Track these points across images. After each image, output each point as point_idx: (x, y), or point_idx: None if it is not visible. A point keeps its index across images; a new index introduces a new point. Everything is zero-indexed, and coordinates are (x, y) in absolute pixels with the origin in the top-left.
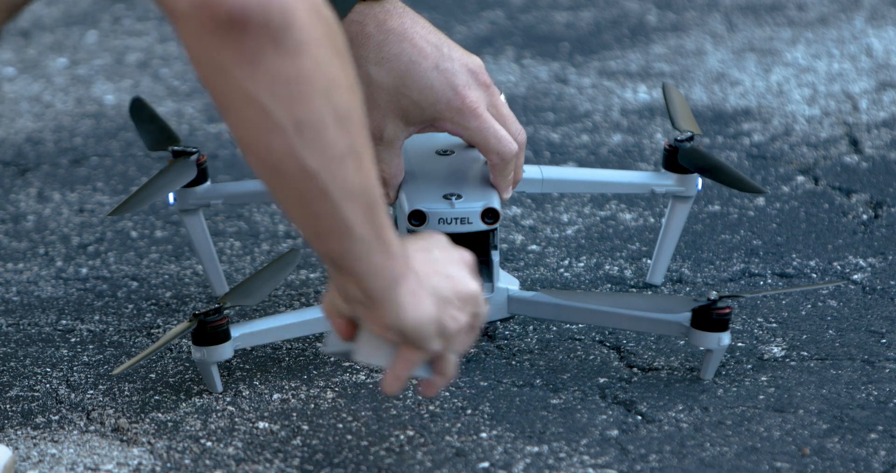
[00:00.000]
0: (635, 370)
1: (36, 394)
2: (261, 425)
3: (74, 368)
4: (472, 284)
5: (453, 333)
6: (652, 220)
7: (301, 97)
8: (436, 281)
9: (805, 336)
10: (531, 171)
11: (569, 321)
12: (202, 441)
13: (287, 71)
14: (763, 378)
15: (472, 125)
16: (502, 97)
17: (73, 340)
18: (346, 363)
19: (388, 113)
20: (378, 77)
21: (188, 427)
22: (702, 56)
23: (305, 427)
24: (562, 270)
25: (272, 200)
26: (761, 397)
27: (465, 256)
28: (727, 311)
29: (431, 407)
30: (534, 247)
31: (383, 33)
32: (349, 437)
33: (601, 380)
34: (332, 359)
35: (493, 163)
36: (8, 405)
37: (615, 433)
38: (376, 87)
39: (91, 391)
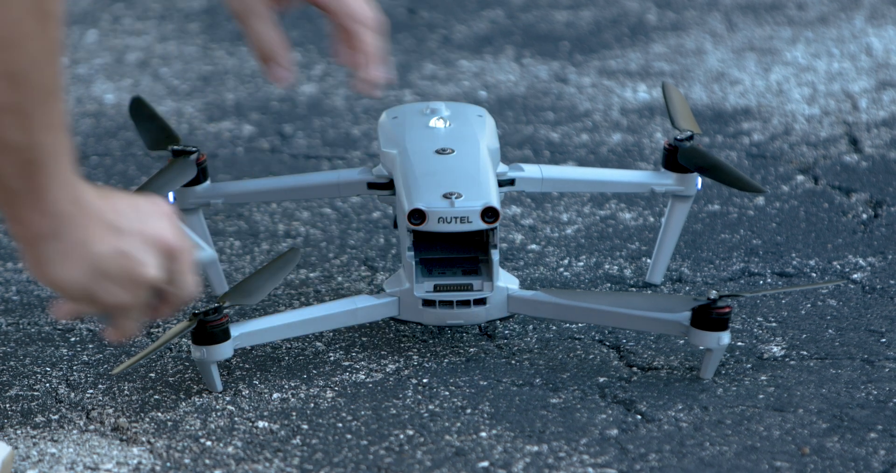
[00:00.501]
0: (635, 369)
1: (36, 393)
2: (260, 424)
3: (74, 367)
4: (147, 270)
5: (110, 305)
6: (651, 219)
7: None
8: (101, 251)
9: (805, 336)
10: (531, 170)
11: (568, 321)
12: (202, 440)
13: None
14: (763, 378)
15: None
16: None
17: (72, 339)
18: (346, 363)
19: None
20: None
21: (188, 427)
22: (701, 55)
23: (305, 427)
24: (561, 269)
25: (273, 199)
26: (761, 396)
27: (166, 238)
28: (727, 310)
29: (431, 407)
30: (533, 246)
31: None
32: (349, 436)
33: (601, 379)
34: (331, 358)
35: (353, 30)
36: (8, 405)
37: (615, 432)
38: None
39: (91, 391)
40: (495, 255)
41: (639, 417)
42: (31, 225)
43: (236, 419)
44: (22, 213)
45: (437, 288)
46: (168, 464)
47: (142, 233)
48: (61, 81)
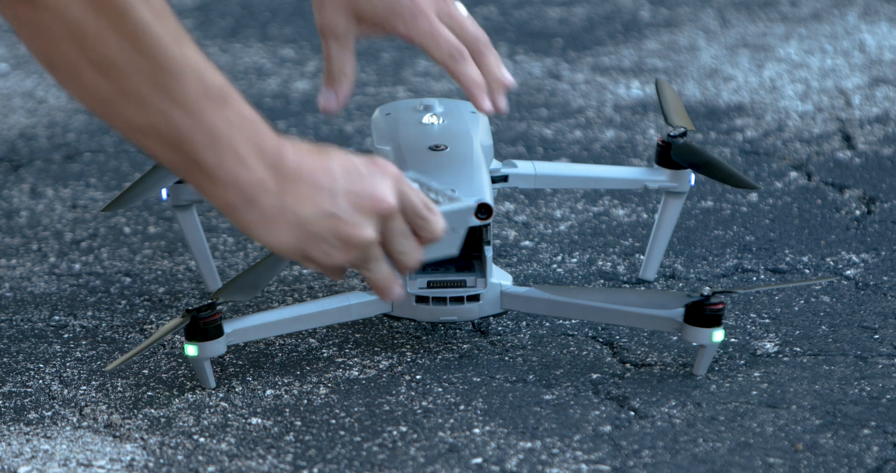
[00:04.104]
0: (628, 365)
1: (29, 390)
2: (254, 421)
3: (67, 364)
4: (362, 232)
5: (332, 265)
6: (645, 216)
7: (46, 43)
8: (307, 213)
9: (798, 332)
10: (524, 166)
11: (562, 317)
12: (195, 436)
13: (27, 17)
14: (756, 374)
15: (423, 28)
16: (461, 6)
17: (65, 336)
18: (339, 359)
19: (341, 10)
20: None
21: (181, 423)
22: (695, 52)
23: (298, 423)
24: (555, 265)
25: None
26: (754, 392)
27: (379, 199)
28: (720, 307)
29: (424, 403)
30: (527, 243)
31: None
32: (342, 433)
33: (594, 376)
34: (324, 355)
35: (449, 67)
36: (0, 401)
37: (608, 428)
38: None
39: (84, 387)
40: (488, 251)
41: (632, 413)
42: (217, 197)
43: (230, 415)
44: (202, 186)
45: (430, 285)
46: (161, 461)
47: (353, 193)
48: (179, 60)
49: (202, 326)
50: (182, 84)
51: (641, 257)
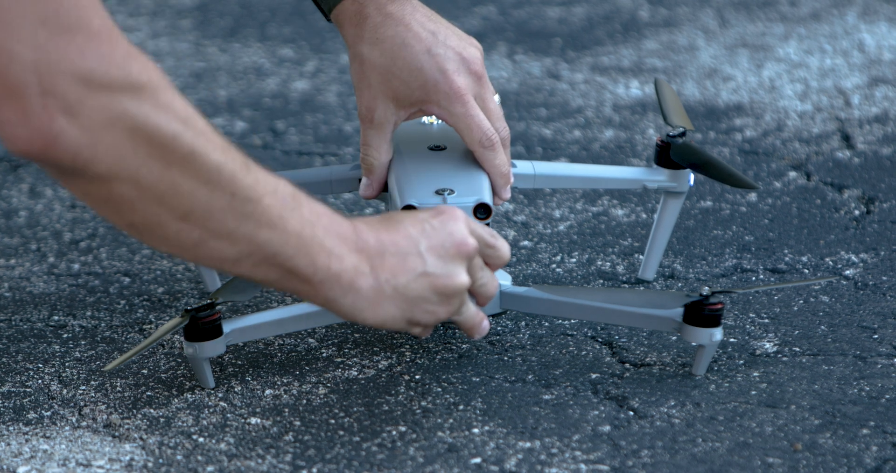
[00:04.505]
0: (627, 365)
1: (28, 390)
2: (253, 420)
3: (66, 364)
4: (458, 279)
5: (431, 323)
6: (644, 215)
7: (125, 210)
8: (402, 282)
9: (797, 332)
10: (523, 166)
11: (561, 317)
12: (194, 436)
13: (99, 193)
14: (755, 374)
15: (458, 111)
16: (496, 97)
17: (65, 335)
18: (338, 359)
19: (379, 94)
20: (371, 57)
21: (180, 423)
22: (694, 52)
23: (297, 423)
24: (554, 265)
25: None
26: (753, 392)
27: (460, 243)
28: (719, 306)
29: (423, 403)
30: (526, 243)
31: (382, 16)
32: (341, 433)
33: (593, 376)
34: (323, 354)
35: (476, 153)
36: (0, 401)
37: (607, 428)
38: (368, 66)
39: (83, 387)
40: None
41: (631, 413)
42: (317, 296)
43: (228, 415)
44: (299, 290)
45: None
46: (160, 461)
47: (436, 247)
48: (254, 186)
49: (201, 326)
50: (262, 206)
51: (640, 257)
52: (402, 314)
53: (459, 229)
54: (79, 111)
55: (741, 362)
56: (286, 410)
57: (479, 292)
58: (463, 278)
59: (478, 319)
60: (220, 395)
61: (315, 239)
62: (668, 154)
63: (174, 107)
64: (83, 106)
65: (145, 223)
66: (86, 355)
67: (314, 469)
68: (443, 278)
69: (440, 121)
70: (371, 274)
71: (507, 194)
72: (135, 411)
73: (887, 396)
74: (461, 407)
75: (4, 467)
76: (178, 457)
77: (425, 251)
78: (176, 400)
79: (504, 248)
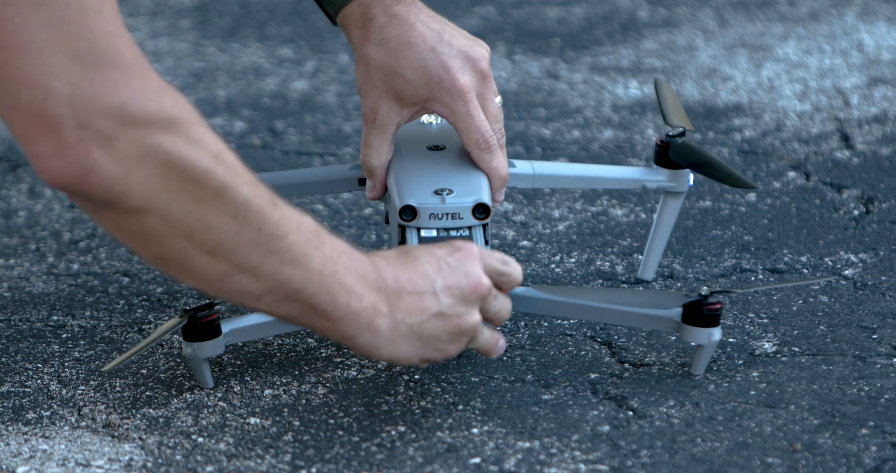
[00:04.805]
0: (626, 365)
1: (27, 390)
2: (252, 420)
3: (66, 364)
4: (470, 320)
5: (442, 360)
6: (643, 215)
7: (153, 242)
8: (416, 322)
9: (796, 332)
10: (522, 166)
11: (560, 317)
12: (193, 436)
13: (129, 226)
14: (754, 374)
15: (460, 109)
16: (499, 99)
17: (64, 335)
18: (338, 359)
19: (384, 94)
20: (376, 57)
21: (179, 423)
22: (693, 52)
23: (297, 423)
24: (553, 265)
25: None
26: (752, 392)
27: (476, 285)
28: (718, 306)
29: (423, 403)
30: (525, 243)
31: (387, 16)
32: (340, 433)
33: (592, 376)
34: (322, 354)
35: (472, 154)
36: None
37: (606, 428)
38: (373, 67)
39: (82, 387)
40: None
41: (630, 413)
42: (335, 332)
43: (228, 415)
44: (317, 326)
45: None
46: (160, 461)
47: (452, 287)
48: (280, 222)
49: (200, 326)
50: (287, 243)
51: (640, 256)
52: (415, 351)
53: (475, 270)
54: (113, 144)
55: (740, 362)
56: (285, 410)
57: (495, 319)
58: (475, 318)
59: (493, 341)
60: (220, 395)
61: (336, 277)
62: (668, 154)
63: (206, 142)
64: (118, 139)
65: (172, 256)
66: (85, 355)
67: (313, 469)
68: (455, 319)
69: (439, 121)
70: (388, 314)
71: (501, 197)
72: (134, 411)
73: (886, 396)
74: (460, 407)
75: (4, 467)
76: (178, 457)
77: (440, 291)
78: (175, 400)
79: (515, 272)
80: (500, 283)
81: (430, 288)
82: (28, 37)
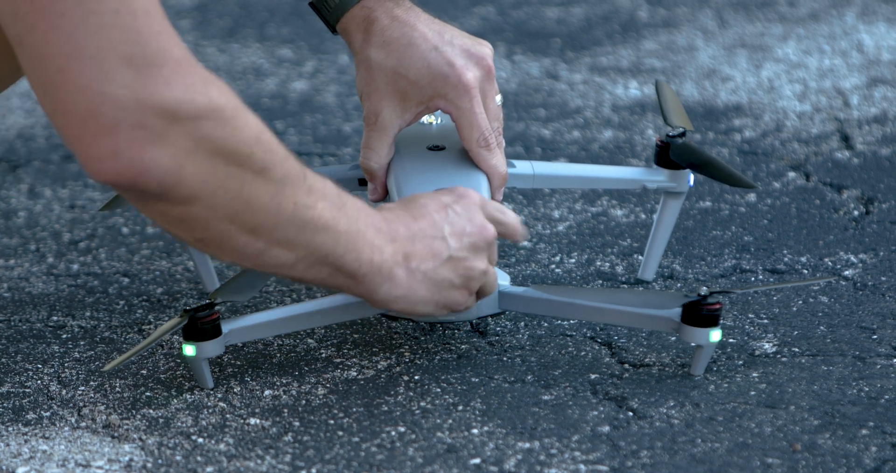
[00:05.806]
0: (626, 366)
1: (27, 390)
2: (252, 421)
3: (66, 364)
4: (478, 264)
5: (459, 307)
6: (643, 216)
7: (197, 227)
8: (431, 266)
9: (796, 332)
10: (522, 166)
11: (560, 317)
12: (193, 437)
13: (176, 214)
14: (754, 374)
15: (464, 105)
16: (499, 97)
17: (64, 336)
18: (337, 359)
19: (386, 96)
20: (378, 59)
21: (179, 424)
22: (693, 52)
23: (297, 423)
24: (553, 266)
25: None
26: (752, 393)
27: (482, 228)
28: (718, 307)
29: (423, 403)
30: (525, 243)
31: (389, 19)
32: (340, 433)
33: (592, 376)
34: (322, 355)
35: (471, 151)
36: None
37: (606, 429)
38: (376, 69)
39: (82, 388)
40: None
41: (630, 414)
42: (360, 289)
43: (228, 415)
44: (343, 286)
45: None
46: (160, 461)
47: (459, 233)
48: (311, 192)
49: (200, 326)
50: (318, 211)
51: (640, 257)
52: (431, 296)
53: (479, 216)
54: (166, 141)
55: (740, 362)
56: (285, 410)
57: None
58: (483, 263)
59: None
60: (220, 396)
61: (360, 234)
62: (668, 154)
63: (249, 125)
64: (170, 135)
65: (214, 238)
66: (85, 355)
67: (313, 470)
68: (465, 262)
69: (439, 121)
70: (404, 263)
71: (500, 197)
72: (134, 411)
73: (886, 396)
74: (460, 408)
75: (4, 467)
76: (178, 458)
77: (449, 236)
78: (175, 401)
79: (512, 221)
80: (499, 232)
81: (439, 234)
82: (81, 44)
